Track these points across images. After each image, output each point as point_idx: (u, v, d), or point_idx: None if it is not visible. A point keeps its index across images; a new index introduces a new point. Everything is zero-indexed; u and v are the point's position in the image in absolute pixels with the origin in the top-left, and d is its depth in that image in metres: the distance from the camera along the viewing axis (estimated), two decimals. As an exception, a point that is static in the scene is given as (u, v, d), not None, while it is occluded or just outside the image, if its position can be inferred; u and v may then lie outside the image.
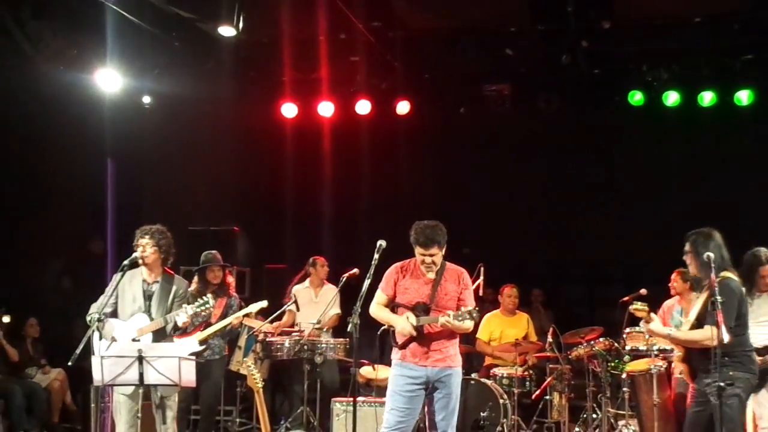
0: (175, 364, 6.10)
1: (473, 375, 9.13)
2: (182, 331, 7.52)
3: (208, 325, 8.17)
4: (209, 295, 6.93)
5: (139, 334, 6.70)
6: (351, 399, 6.70)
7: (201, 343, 7.88)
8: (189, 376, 6.18)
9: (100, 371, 6.11)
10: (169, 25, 9.89)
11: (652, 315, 6.23)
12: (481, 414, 8.59)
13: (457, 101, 11.77)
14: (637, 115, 11.23)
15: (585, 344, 8.85)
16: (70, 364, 6.24)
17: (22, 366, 10.18)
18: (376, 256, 6.28)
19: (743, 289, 6.28)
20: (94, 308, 6.81)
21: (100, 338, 6.66)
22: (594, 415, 8.94)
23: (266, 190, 12.61)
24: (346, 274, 8.00)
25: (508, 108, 11.34)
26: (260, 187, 12.55)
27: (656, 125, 11.38)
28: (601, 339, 8.80)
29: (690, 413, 6.25)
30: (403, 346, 6.24)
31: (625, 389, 8.50)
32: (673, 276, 8.52)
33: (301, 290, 9.72)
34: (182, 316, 6.66)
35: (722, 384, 5.77)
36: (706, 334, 5.84)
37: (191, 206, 11.94)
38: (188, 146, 12.07)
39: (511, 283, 9.90)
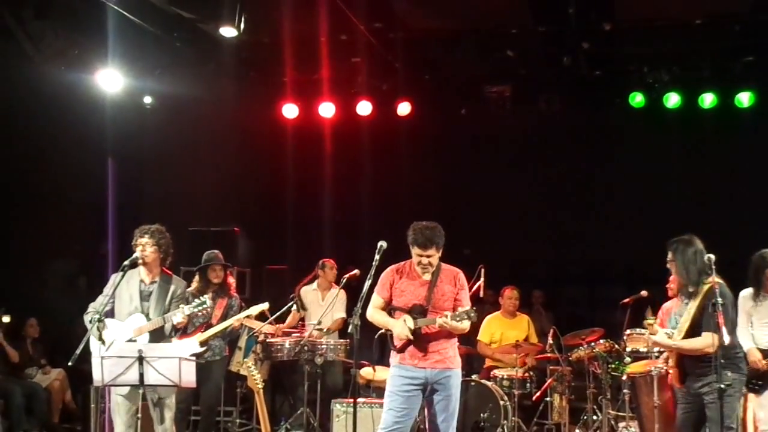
0: (175, 365, 6.10)
1: (474, 376, 9.12)
2: (182, 332, 7.54)
3: (209, 326, 8.17)
4: (207, 296, 6.92)
5: (135, 334, 6.70)
6: (351, 400, 6.70)
7: (202, 344, 7.89)
8: (189, 376, 6.18)
9: (100, 371, 6.10)
10: (171, 26, 9.89)
11: (656, 327, 6.30)
12: (482, 415, 8.58)
13: (458, 102, 11.78)
14: (638, 117, 11.23)
15: (585, 346, 8.84)
16: (70, 364, 6.24)
17: (22, 366, 10.18)
18: (377, 257, 6.28)
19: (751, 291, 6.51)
20: (92, 308, 6.82)
21: (99, 338, 6.64)
22: (594, 417, 8.94)
23: (267, 190, 12.61)
24: (347, 275, 8.01)
25: (508, 109, 11.35)
26: (261, 188, 12.55)
27: (657, 127, 11.38)
28: (601, 341, 8.80)
29: (680, 415, 6.32)
30: (402, 350, 6.24)
31: (625, 391, 8.48)
32: (671, 278, 8.51)
33: (308, 292, 9.72)
34: (178, 316, 6.66)
35: (722, 386, 5.80)
36: (707, 341, 5.93)
37: (192, 206, 11.93)
38: (189, 146, 12.07)
39: (511, 285, 9.89)
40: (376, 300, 6.34)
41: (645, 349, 8.33)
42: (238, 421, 9.76)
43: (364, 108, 11.54)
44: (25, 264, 10.89)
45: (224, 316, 8.36)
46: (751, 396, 7.02)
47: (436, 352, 6.21)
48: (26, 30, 9.00)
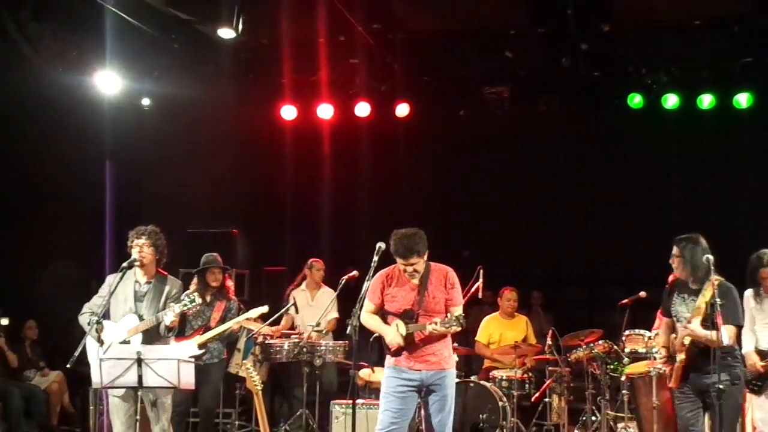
0: (174, 367, 6.09)
1: (472, 378, 9.12)
2: (180, 334, 7.54)
3: (208, 328, 8.16)
4: (195, 294, 6.88)
5: (128, 335, 6.70)
6: (350, 401, 6.69)
7: (200, 347, 7.88)
8: (188, 378, 6.17)
9: (99, 373, 6.10)
10: (169, 28, 9.89)
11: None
12: (481, 416, 8.58)
13: (456, 103, 11.77)
14: (637, 118, 11.23)
15: (584, 347, 8.84)
16: (68, 366, 6.24)
17: (21, 368, 10.17)
18: (376, 258, 6.27)
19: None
20: (87, 308, 6.82)
21: (98, 340, 6.65)
22: (593, 418, 8.94)
23: (265, 192, 12.61)
24: (346, 277, 8.00)
25: (507, 110, 11.34)
26: (259, 190, 12.54)
27: (656, 128, 11.38)
28: (600, 341, 8.79)
29: (686, 415, 6.33)
30: (396, 354, 6.23)
31: (624, 392, 8.49)
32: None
33: (298, 293, 9.74)
34: (169, 315, 6.64)
35: (721, 386, 5.87)
36: (732, 334, 6.16)
37: (190, 208, 11.93)
38: (187, 148, 12.06)
39: (510, 286, 9.88)
40: (368, 305, 6.31)
41: (644, 350, 8.34)
42: (237, 423, 9.75)
43: (362, 109, 11.53)
44: (24, 266, 10.88)
45: (223, 319, 8.35)
46: (750, 397, 7.02)
47: (431, 354, 6.20)
48: (24, 32, 9.00)
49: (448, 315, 6.07)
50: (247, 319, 8.35)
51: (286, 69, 11.17)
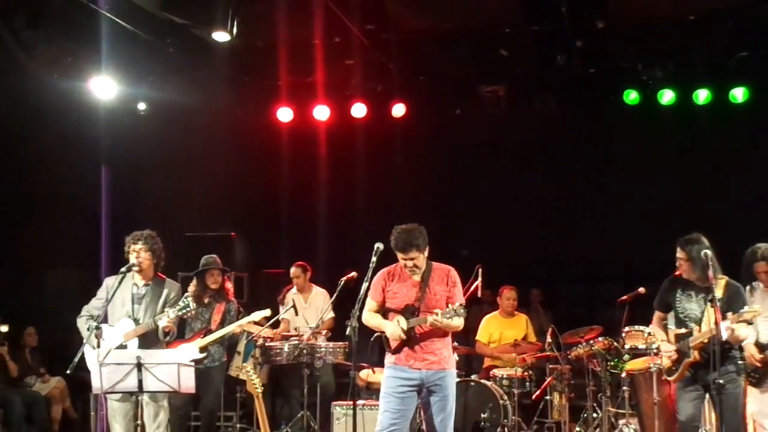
0: (174, 371, 6.09)
1: (473, 376, 9.12)
2: (180, 337, 7.54)
3: (209, 331, 8.16)
4: (190, 299, 6.86)
5: (125, 339, 6.70)
6: (351, 402, 6.69)
7: (201, 350, 7.87)
8: (188, 382, 6.17)
9: (99, 379, 6.10)
10: (163, 32, 9.90)
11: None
12: (482, 415, 8.58)
13: (452, 103, 11.77)
14: (633, 114, 11.23)
15: (584, 344, 8.84)
16: (68, 372, 6.24)
17: (21, 375, 10.17)
18: (374, 259, 6.28)
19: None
20: (86, 311, 6.83)
21: (97, 346, 6.65)
22: (594, 415, 8.94)
23: (263, 194, 12.60)
24: (344, 278, 7.99)
25: (503, 109, 11.34)
26: (257, 192, 12.54)
27: (652, 124, 11.39)
28: (600, 338, 8.79)
29: (689, 408, 6.47)
30: (396, 351, 6.24)
31: (625, 388, 8.49)
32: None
33: (291, 297, 9.75)
34: (164, 319, 6.64)
35: (721, 381, 5.98)
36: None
37: (188, 212, 11.94)
38: (184, 152, 12.07)
39: (509, 285, 9.88)
40: (370, 304, 6.35)
41: (644, 346, 8.34)
42: (238, 425, 9.75)
43: (358, 110, 11.52)
44: (22, 273, 10.87)
45: (222, 321, 8.35)
46: (749, 390, 7.04)
47: (431, 353, 6.21)
48: (19, 39, 9.01)
49: (449, 306, 6.07)
50: (249, 322, 8.35)
51: (281, 71, 11.16)
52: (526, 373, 9.12)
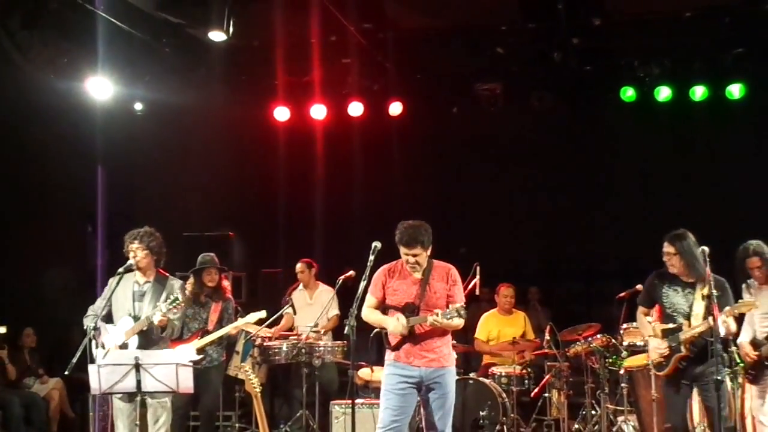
0: (172, 371, 6.09)
1: (471, 374, 9.13)
2: (178, 338, 7.53)
3: (206, 332, 8.15)
4: (178, 292, 6.83)
5: (126, 338, 6.70)
6: (349, 401, 6.70)
7: (198, 351, 7.84)
8: (186, 382, 6.17)
9: (98, 379, 6.10)
10: (160, 32, 9.89)
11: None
12: (481, 413, 8.59)
13: (449, 101, 11.77)
14: (630, 111, 11.24)
15: (582, 341, 8.85)
16: (66, 373, 6.24)
17: (20, 376, 10.16)
18: (372, 257, 6.29)
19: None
20: (91, 311, 6.83)
21: (97, 346, 6.66)
22: (593, 412, 8.95)
23: (260, 194, 12.60)
24: (342, 276, 8.00)
25: (500, 107, 11.34)
26: (254, 192, 12.54)
27: (648, 120, 11.40)
28: (598, 335, 8.80)
29: (678, 399, 6.57)
30: (396, 348, 6.24)
31: (623, 385, 8.50)
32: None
33: (297, 293, 9.74)
34: (157, 315, 6.63)
35: (719, 377, 6.04)
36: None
37: (185, 212, 11.93)
38: (181, 152, 12.07)
39: (507, 283, 9.88)
40: (370, 300, 6.36)
41: (642, 343, 8.34)
42: (237, 425, 9.75)
43: (355, 109, 11.52)
44: (20, 273, 10.86)
45: (220, 320, 8.34)
46: (747, 387, 7.06)
47: (430, 351, 6.21)
48: (15, 40, 8.98)
49: (449, 306, 6.08)
50: (260, 319, 8.34)
51: (278, 70, 11.16)
52: (524, 371, 9.13)
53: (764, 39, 10.00)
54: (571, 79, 11.09)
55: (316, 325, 9.04)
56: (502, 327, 9.72)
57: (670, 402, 6.68)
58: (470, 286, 8.73)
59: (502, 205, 12.39)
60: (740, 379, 7.19)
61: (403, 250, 6.19)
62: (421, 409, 6.32)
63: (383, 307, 6.33)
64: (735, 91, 10.67)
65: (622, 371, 8.52)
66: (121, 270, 6.73)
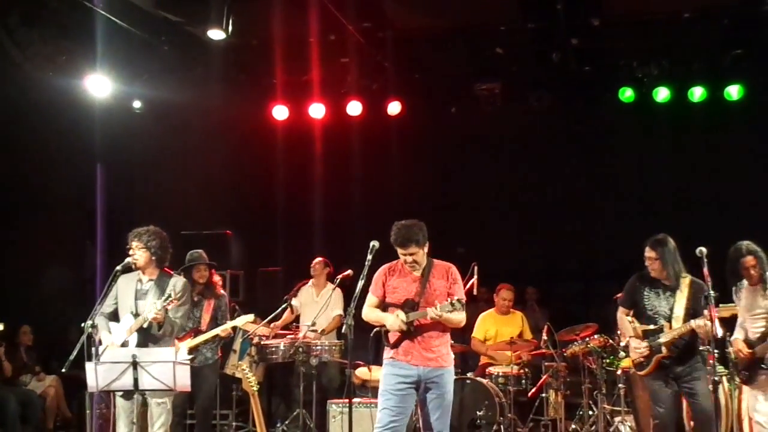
0: (169, 369, 6.09)
1: (469, 374, 9.13)
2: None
3: (198, 332, 8.11)
4: (179, 289, 6.81)
5: (127, 335, 6.70)
6: (347, 400, 6.70)
7: (191, 350, 7.80)
8: (184, 380, 6.17)
9: (95, 377, 6.09)
10: (158, 30, 9.88)
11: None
12: (478, 413, 8.60)
13: (448, 101, 11.77)
14: (628, 112, 11.24)
15: (580, 341, 8.86)
16: (63, 371, 6.24)
17: (17, 374, 10.15)
18: (370, 256, 6.29)
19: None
20: (100, 310, 6.83)
21: (94, 344, 6.64)
22: (590, 412, 8.95)
23: (258, 192, 12.60)
24: (340, 276, 8.00)
25: (499, 107, 11.34)
26: (252, 190, 12.54)
27: (647, 121, 11.41)
28: (596, 336, 8.80)
29: (665, 396, 6.78)
30: (395, 345, 6.24)
31: (620, 385, 8.51)
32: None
33: (304, 289, 9.75)
34: (152, 312, 6.62)
35: (716, 378, 6.00)
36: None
37: (183, 210, 11.91)
38: (179, 150, 12.06)
39: (507, 284, 9.86)
40: (371, 299, 6.38)
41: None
42: (234, 424, 9.74)
43: (354, 108, 11.53)
44: (17, 271, 10.86)
45: (214, 318, 8.31)
46: (743, 387, 7.08)
47: (428, 350, 6.22)
48: (13, 37, 8.98)
49: (448, 299, 6.08)
50: (248, 322, 8.32)
51: (277, 69, 11.17)
52: (521, 371, 9.13)
53: (763, 40, 10.01)
54: (569, 79, 11.10)
55: (314, 324, 9.04)
56: (499, 327, 9.72)
57: (656, 398, 6.85)
58: (468, 286, 8.73)
59: (500, 205, 12.39)
60: (737, 380, 7.21)
61: (400, 251, 6.21)
62: (419, 410, 6.32)
63: (384, 306, 6.34)
64: (733, 92, 10.68)
65: (619, 372, 8.53)
66: (118, 268, 6.71)
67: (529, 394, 9.24)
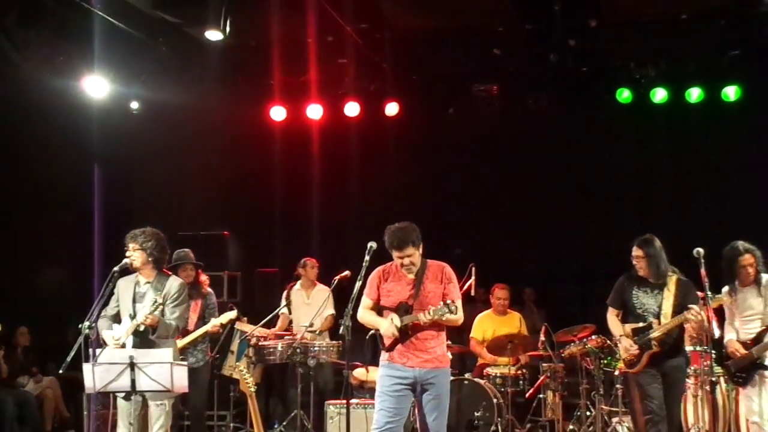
0: (167, 370, 6.08)
1: (466, 375, 9.13)
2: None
3: (186, 332, 8.08)
4: (167, 289, 6.79)
5: (124, 338, 6.69)
6: (344, 401, 6.70)
7: (180, 351, 7.76)
8: (181, 381, 6.16)
9: (92, 378, 6.09)
10: (156, 31, 9.89)
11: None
12: (475, 414, 8.60)
13: (445, 102, 11.77)
14: (626, 113, 11.26)
15: (577, 342, 8.86)
16: (60, 372, 6.23)
17: (14, 375, 10.14)
18: (367, 257, 6.29)
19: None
20: (103, 312, 6.83)
21: (91, 345, 6.63)
22: (588, 413, 8.95)
23: (256, 193, 12.58)
24: (338, 276, 8.00)
25: (496, 107, 11.35)
26: (250, 191, 12.52)
27: (644, 122, 11.42)
28: (593, 336, 8.80)
29: (654, 391, 6.92)
30: (390, 348, 6.24)
31: (618, 386, 8.51)
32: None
33: (293, 292, 9.72)
34: (141, 315, 6.62)
35: (713, 379, 6.00)
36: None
37: (181, 211, 11.91)
38: (177, 151, 12.05)
39: (501, 284, 9.86)
40: (365, 301, 6.36)
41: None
42: (232, 425, 9.73)
43: (351, 109, 11.53)
44: (15, 271, 10.85)
45: (201, 317, 8.29)
46: (739, 391, 7.09)
47: (424, 351, 6.20)
48: (11, 38, 8.98)
49: (441, 303, 6.08)
50: (230, 320, 8.30)
51: (274, 70, 11.17)
52: (519, 372, 9.13)
53: (760, 41, 10.02)
54: (567, 80, 11.12)
55: (311, 325, 9.03)
56: (497, 327, 9.71)
57: (646, 393, 6.96)
58: (465, 287, 8.74)
59: (497, 206, 12.39)
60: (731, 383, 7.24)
61: (395, 254, 6.18)
62: (416, 411, 6.32)
63: (378, 309, 6.34)
64: (731, 93, 10.69)
65: (617, 372, 8.52)
66: (116, 269, 6.71)
67: (527, 394, 9.24)
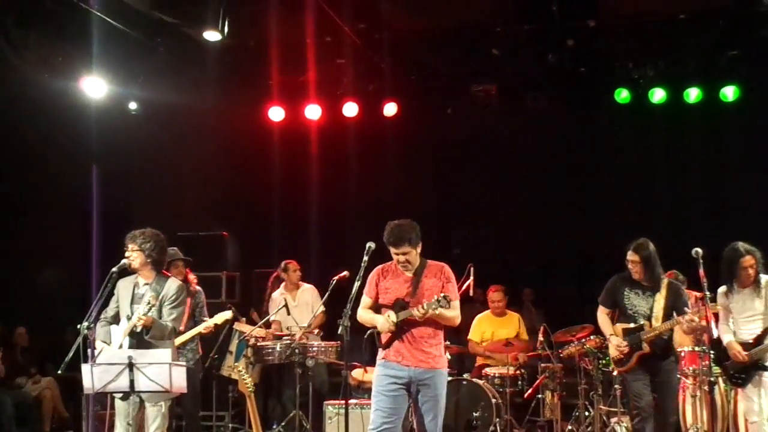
0: (165, 371, 6.08)
1: (465, 375, 9.13)
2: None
3: (178, 333, 8.06)
4: (151, 298, 6.78)
5: (121, 339, 6.69)
6: (343, 402, 6.69)
7: None
8: (180, 382, 6.15)
9: (91, 378, 6.08)
10: (154, 31, 9.89)
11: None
12: (474, 414, 8.59)
13: (444, 102, 11.78)
14: (624, 113, 11.26)
15: (576, 342, 8.85)
16: (59, 372, 6.23)
17: (12, 375, 10.13)
18: (366, 257, 6.29)
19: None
20: (103, 315, 6.82)
21: (90, 346, 6.62)
22: (586, 413, 8.94)
23: (254, 193, 12.59)
24: (336, 277, 8.00)
25: (495, 108, 11.35)
26: (248, 191, 12.53)
27: (643, 122, 11.43)
28: (592, 337, 8.78)
29: (642, 390, 7.11)
30: (387, 346, 6.24)
31: (616, 386, 8.48)
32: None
33: (278, 298, 9.68)
34: (134, 317, 6.61)
35: (712, 379, 6.01)
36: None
37: (179, 212, 11.91)
38: (175, 152, 12.05)
39: (495, 285, 9.83)
40: (365, 300, 6.37)
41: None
42: (230, 425, 9.73)
43: (350, 109, 11.52)
44: (13, 272, 10.85)
45: (191, 316, 8.26)
46: (738, 391, 7.09)
47: (420, 351, 6.19)
48: (9, 38, 8.97)
49: (434, 297, 6.07)
50: (226, 320, 8.29)
51: (273, 70, 11.16)
52: (518, 372, 9.13)
53: (758, 41, 10.02)
54: (565, 80, 11.11)
55: (309, 325, 9.03)
56: (495, 328, 9.72)
57: (636, 393, 7.15)
58: (464, 288, 8.73)
59: (496, 206, 12.39)
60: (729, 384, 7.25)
61: (392, 250, 6.20)
62: (413, 412, 6.31)
63: (377, 307, 6.34)
64: (729, 93, 10.68)
65: (615, 372, 8.51)
66: (114, 270, 6.70)
67: (526, 395, 9.24)
